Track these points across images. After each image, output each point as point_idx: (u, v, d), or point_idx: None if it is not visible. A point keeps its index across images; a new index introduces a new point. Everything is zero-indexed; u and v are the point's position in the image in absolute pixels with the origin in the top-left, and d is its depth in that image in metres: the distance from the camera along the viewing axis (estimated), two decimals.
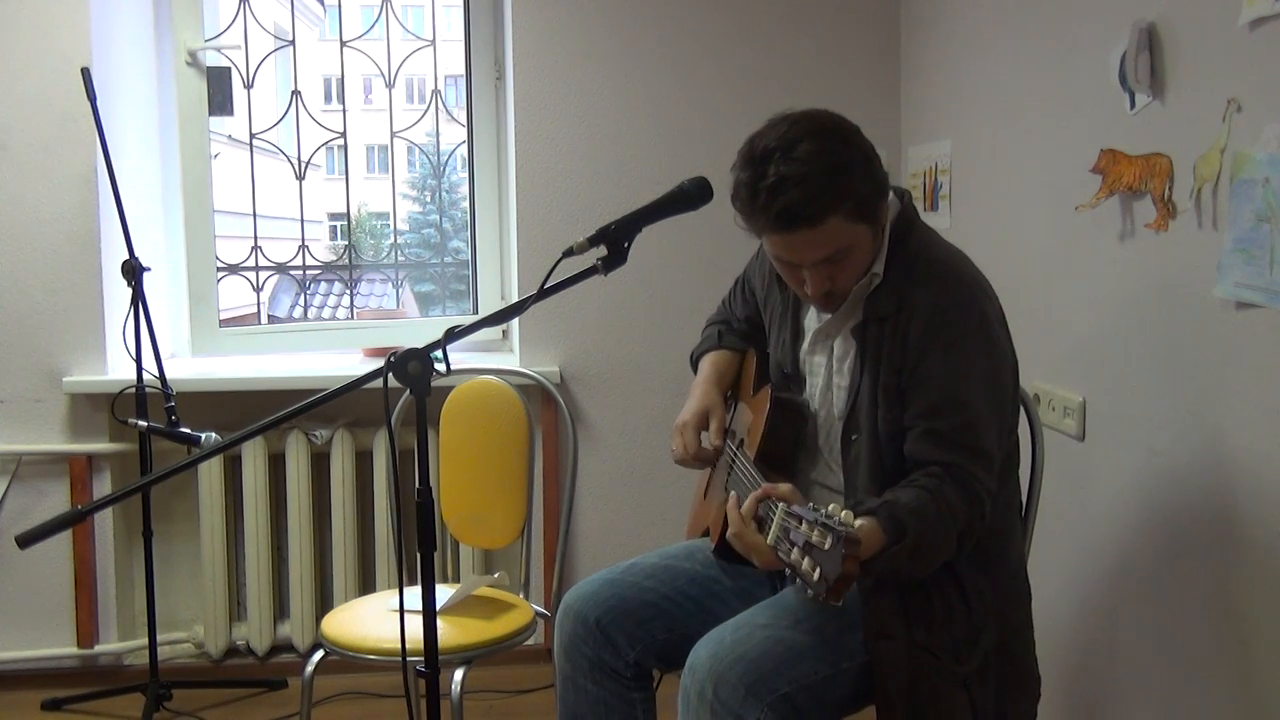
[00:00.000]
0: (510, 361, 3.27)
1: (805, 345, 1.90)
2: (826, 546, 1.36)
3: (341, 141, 3.41)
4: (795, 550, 1.44)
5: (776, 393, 1.90)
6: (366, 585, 3.22)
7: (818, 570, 1.37)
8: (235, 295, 3.61)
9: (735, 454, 1.93)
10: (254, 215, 3.38)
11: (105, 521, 3.10)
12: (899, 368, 1.73)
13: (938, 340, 1.70)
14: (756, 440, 1.87)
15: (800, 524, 1.44)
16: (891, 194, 1.79)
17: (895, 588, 1.71)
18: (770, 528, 1.55)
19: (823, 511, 1.42)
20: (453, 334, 1.59)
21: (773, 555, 1.53)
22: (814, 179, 1.61)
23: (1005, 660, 1.76)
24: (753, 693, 1.62)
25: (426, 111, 3.45)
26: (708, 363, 2.10)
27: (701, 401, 2.01)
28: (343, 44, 3.36)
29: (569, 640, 1.95)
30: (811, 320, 1.90)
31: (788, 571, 1.47)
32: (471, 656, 2.24)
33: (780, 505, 1.53)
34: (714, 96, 3.23)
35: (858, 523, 1.40)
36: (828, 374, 1.85)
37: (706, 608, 1.93)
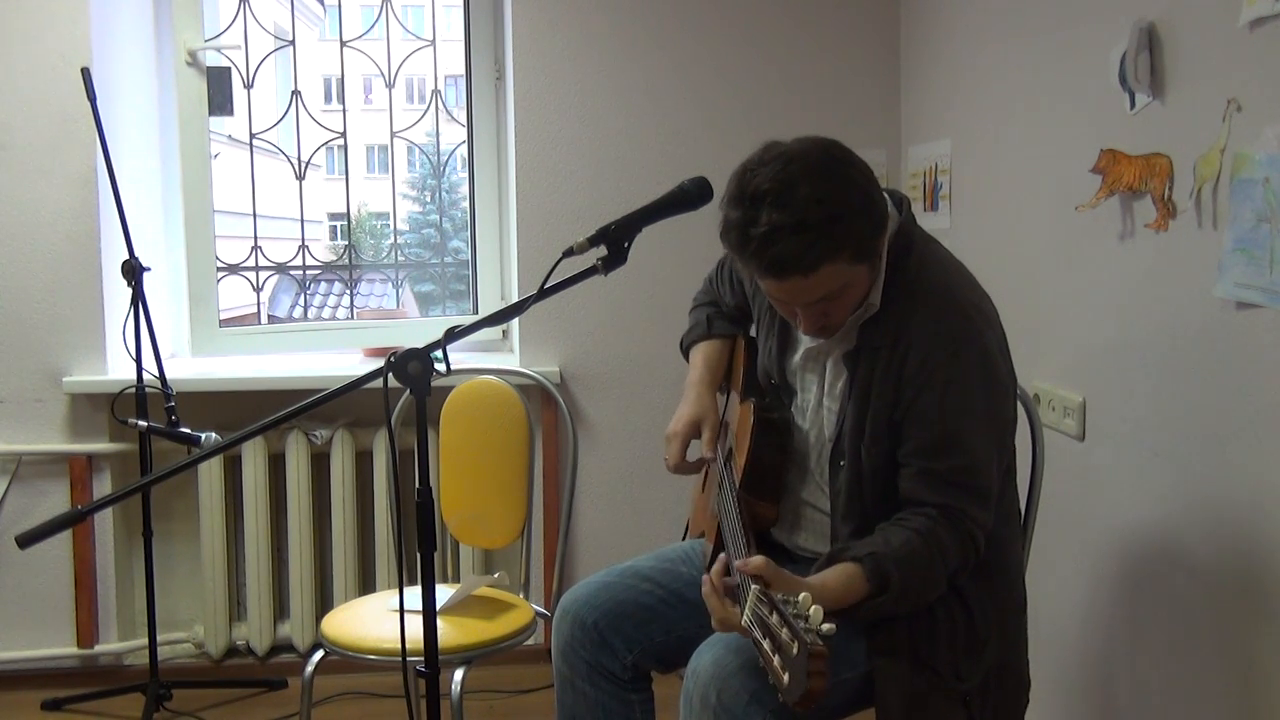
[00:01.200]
0: (510, 361, 3.27)
1: (797, 358, 1.86)
2: (794, 653, 1.28)
3: (341, 141, 3.41)
4: (768, 641, 1.37)
5: (761, 412, 1.85)
6: (366, 585, 3.22)
7: (786, 676, 1.29)
8: (235, 295, 3.61)
9: (724, 471, 1.92)
10: (254, 215, 3.38)
11: (105, 521, 3.10)
12: (893, 401, 1.68)
13: (936, 376, 1.65)
14: (741, 465, 1.84)
15: (772, 614, 1.37)
16: (889, 202, 1.72)
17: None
18: (744, 604, 1.48)
19: (793, 605, 1.34)
20: (453, 334, 1.59)
21: (748, 633, 1.45)
22: (809, 228, 1.54)
23: (1004, 674, 1.75)
24: (756, 699, 1.61)
25: (426, 111, 3.45)
26: (699, 357, 2.07)
27: (694, 407, 1.98)
28: (343, 44, 3.36)
29: (566, 643, 1.94)
30: (804, 336, 1.84)
31: (760, 663, 1.39)
32: (471, 656, 2.24)
33: (753, 588, 1.46)
34: (714, 96, 3.23)
35: (807, 608, 1.31)
36: (819, 393, 1.82)
37: (704, 610, 1.92)
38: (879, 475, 1.71)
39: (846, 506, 1.75)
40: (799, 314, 1.68)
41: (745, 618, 1.47)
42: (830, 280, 1.60)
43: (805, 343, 1.84)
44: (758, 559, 1.49)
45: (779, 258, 1.56)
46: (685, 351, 2.13)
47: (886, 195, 1.72)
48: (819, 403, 1.82)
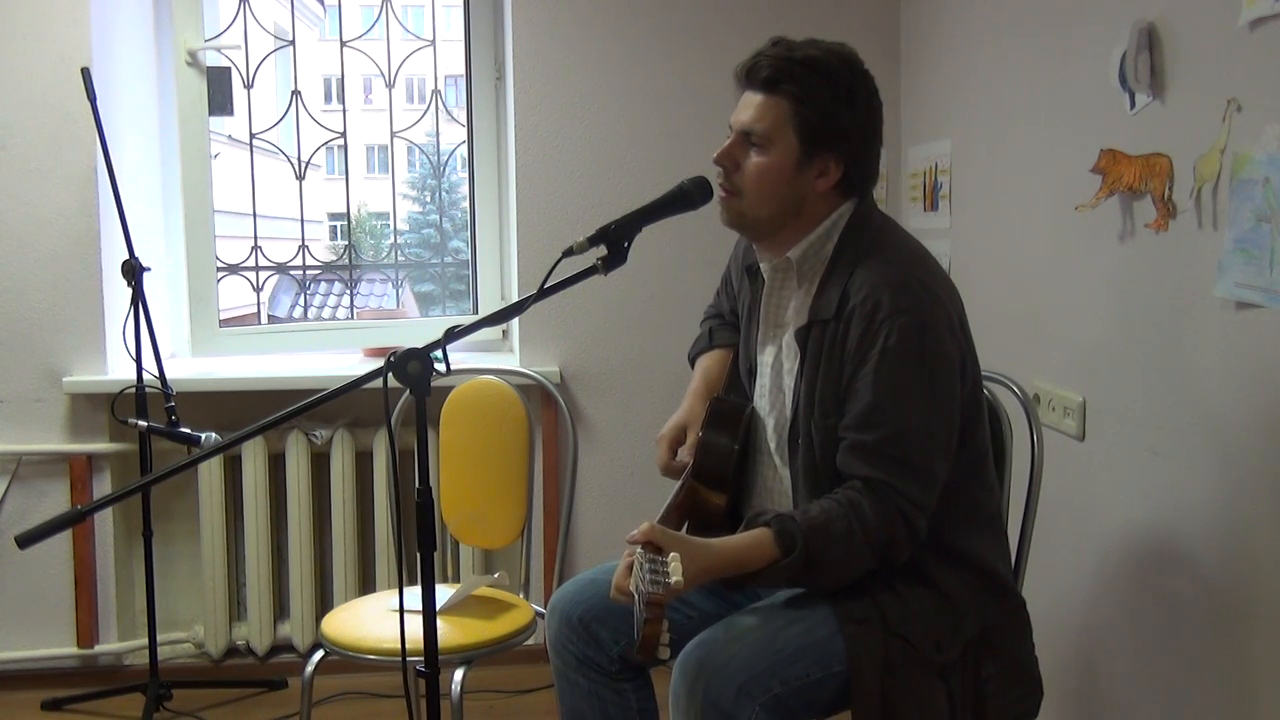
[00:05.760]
0: (510, 361, 3.27)
1: (759, 336, 1.90)
2: (638, 603, 1.38)
3: (341, 141, 3.41)
4: (638, 600, 1.46)
5: (714, 402, 1.91)
6: (366, 585, 3.22)
7: (636, 625, 1.39)
8: (235, 295, 3.61)
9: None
10: (254, 215, 3.38)
11: (105, 521, 3.10)
12: (838, 376, 1.70)
13: (873, 349, 1.66)
14: (692, 460, 1.90)
15: (642, 572, 1.47)
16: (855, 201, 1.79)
17: (865, 584, 1.70)
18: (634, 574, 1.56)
19: (660, 563, 1.45)
20: (453, 334, 1.60)
21: (632, 598, 1.53)
22: (794, 61, 1.75)
23: (988, 652, 1.74)
24: (744, 692, 1.62)
25: (426, 111, 3.45)
26: (699, 367, 2.10)
27: (682, 414, 2.02)
28: (343, 44, 3.36)
29: (556, 638, 1.97)
30: (765, 311, 1.88)
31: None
32: (471, 656, 2.24)
33: (637, 551, 1.54)
34: (714, 96, 3.21)
35: (668, 564, 1.42)
36: (776, 374, 1.85)
37: (689, 601, 1.95)
38: (828, 449, 1.72)
39: (805, 486, 1.76)
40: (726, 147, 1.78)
41: (632, 581, 1.53)
42: (770, 115, 1.74)
43: (764, 317, 1.87)
44: (644, 525, 1.58)
45: (756, 61, 1.77)
46: (692, 363, 2.15)
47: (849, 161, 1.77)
48: (778, 385, 1.84)
